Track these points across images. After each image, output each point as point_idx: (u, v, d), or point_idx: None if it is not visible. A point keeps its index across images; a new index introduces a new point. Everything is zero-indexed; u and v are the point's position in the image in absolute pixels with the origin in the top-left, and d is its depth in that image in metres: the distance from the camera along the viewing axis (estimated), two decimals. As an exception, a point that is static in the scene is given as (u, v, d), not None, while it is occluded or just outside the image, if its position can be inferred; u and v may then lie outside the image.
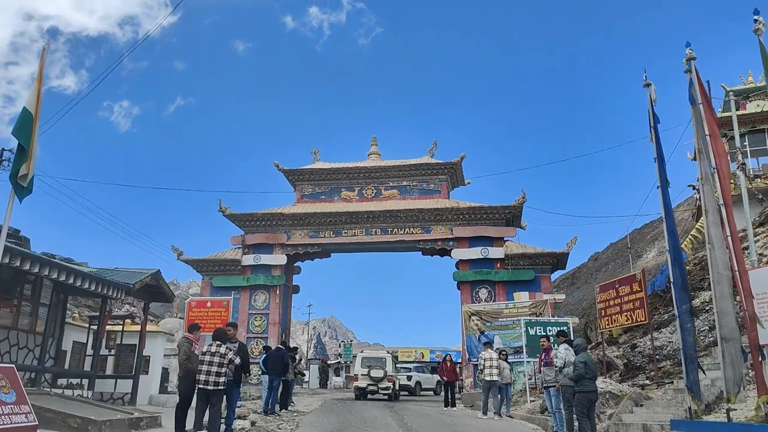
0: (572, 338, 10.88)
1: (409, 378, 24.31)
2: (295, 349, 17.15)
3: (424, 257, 25.29)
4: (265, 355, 13.54)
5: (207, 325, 13.94)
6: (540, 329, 15.79)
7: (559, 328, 13.71)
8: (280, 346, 14.10)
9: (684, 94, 8.11)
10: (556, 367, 9.23)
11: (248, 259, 23.72)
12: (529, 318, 17.39)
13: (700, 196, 8.38)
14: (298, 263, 25.65)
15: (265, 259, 23.69)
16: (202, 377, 7.85)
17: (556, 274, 22.80)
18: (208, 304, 15.54)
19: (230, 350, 8.16)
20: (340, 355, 37.34)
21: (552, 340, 11.32)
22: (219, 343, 8.13)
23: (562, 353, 9.01)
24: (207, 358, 7.95)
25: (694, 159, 10.53)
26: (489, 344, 15.31)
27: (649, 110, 9.25)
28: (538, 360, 11.74)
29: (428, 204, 23.24)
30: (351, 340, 45.68)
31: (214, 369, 7.87)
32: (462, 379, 21.89)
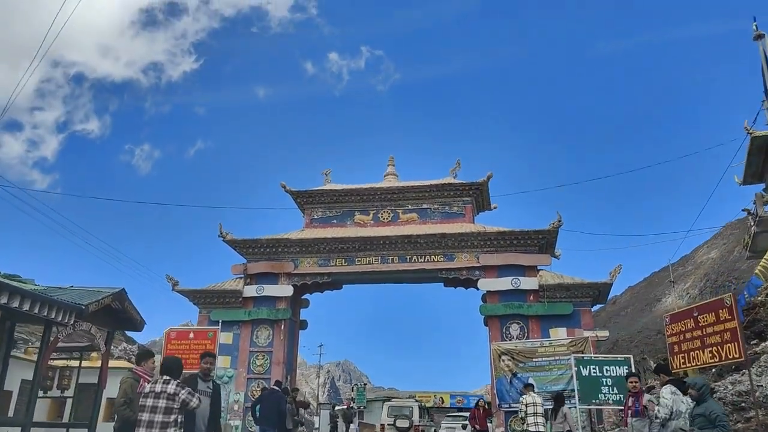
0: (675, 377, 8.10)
1: (464, 427, 21.53)
2: (296, 390, 14.55)
3: (446, 289, 22.76)
4: (255, 399, 11.02)
5: (189, 359, 11.44)
6: (595, 369, 13.11)
7: (657, 363, 10.96)
8: (275, 388, 11.61)
9: None
10: (657, 419, 6.59)
11: (250, 290, 21.31)
12: (581, 355, 14.63)
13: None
14: (306, 296, 23.18)
15: (269, 290, 21.26)
16: (142, 430, 5.35)
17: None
18: (191, 335, 13.13)
19: (183, 389, 5.62)
20: (352, 399, 34.40)
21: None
22: (168, 379, 5.62)
23: (668, 398, 6.39)
24: (149, 401, 5.47)
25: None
26: (530, 387, 12.66)
27: (763, 65, 6.82)
28: (623, 408, 8.87)
29: (451, 229, 20.80)
30: (365, 383, 42.71)
31: (159, 418, 5.38)
32: (492, 429, 19.06)
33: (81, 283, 10.62)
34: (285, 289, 21.24)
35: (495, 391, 19.07)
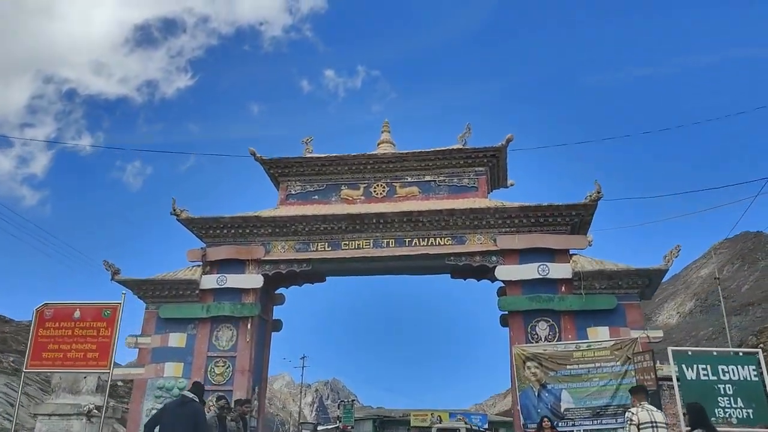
0: None
1: None
2: (248, 404, 10.39)
3: (453, 283, 18.85)
4: (153, 415, 7.06)
5: (72, 352, 7.29)
6: (706, 370, 9.04)
7: None
8: (189, 395, 7.55)
9: None
10: None
11: (210, 281, 17.21)
12: (683, 349, 10.52)
13: None
14: (281, 290, 19.10)
15: (234, 280, 17.18)
16: None
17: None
18: (77, 314, 8.90)
19: None
20: (338, 418, 30.18)
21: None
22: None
23: None
24: None
25: None
26: (642, 392, 8.53)
27: None
28: None
29: (461, 204, 16.81)
30: (353, 400, 38.44)
31: None
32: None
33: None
34: (253, 280, 17.15)
35: (519, 407, 15.05)
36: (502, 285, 17.65)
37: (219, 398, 9.88)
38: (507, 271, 16.20)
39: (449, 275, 18.34)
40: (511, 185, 19.29)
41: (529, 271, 16.01)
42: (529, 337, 15.67)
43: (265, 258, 17.28)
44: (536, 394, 15.01)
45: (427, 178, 17.83)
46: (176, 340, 17.00)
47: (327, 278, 19.05)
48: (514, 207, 16.33)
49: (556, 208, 16.15)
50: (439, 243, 16.78)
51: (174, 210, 17.55)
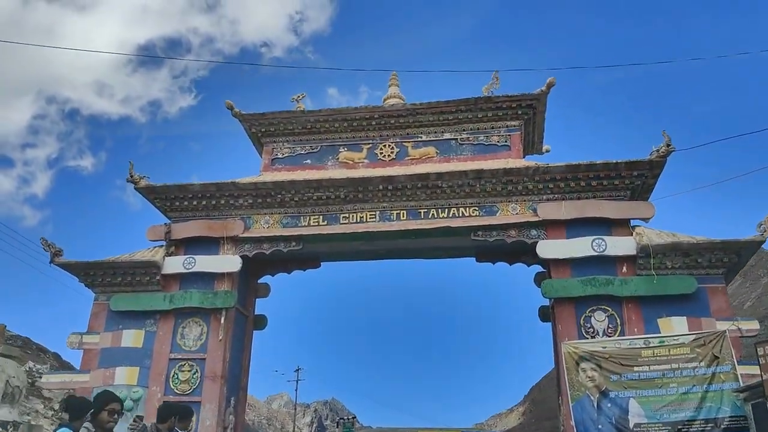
0: None
1: None
2: (186, 413, 6.95)
3: (478, 268, 15.41)
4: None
5: None
6: None
7: None
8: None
9: None
10: None
11: (174, 264, 13.82)
12: None
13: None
14: (265, 278, 15.63)
15: (205, 263, 13.78)
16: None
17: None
18: None
19: None
20: (337, 438, 26.58)
21: None
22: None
23: None
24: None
25: None
26: None
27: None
28: None
29: (492, 165, 13.41)
30: (353, 416, 34.76)
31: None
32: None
33: None
34: (229, 262, 13.74)
35: (572, 423, 11.57)
36: (542, 270, 14.30)
37: (136, 419, 6.69)
38: (551, 248, 12.80)
39: (474, 258, 14.91)
40: (547, 152, 15.91)
41: (581, 246, 12.62)
42: (583, 332, 12.25)
43: (245, 235, 13.89)
44: (595, 404, 11.61)
45: (447, 135, 14.45)
46: (131, 338, 13.60)
47: (322, 264, 15.57)
48: (560, 167, 12.94)
49: (614, 167, 12.77)
50: (463, 214, 13.39)
51: (131, 176, 14.16)
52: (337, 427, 37.26)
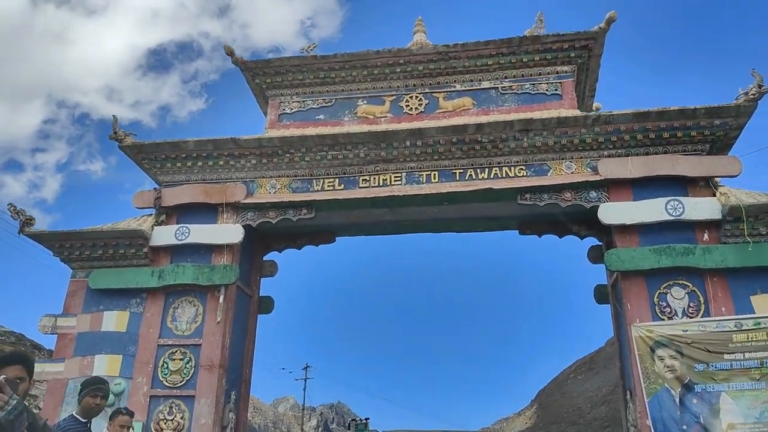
0: None
1: None
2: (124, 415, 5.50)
3: (519, 244, 13.29)
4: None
5: None
6: None
7: None
8: None
9: None
10: None
11: (164, 234, 11.83)
12: None
13: None
14: (271, 255, 13.61)
15: (201, 233, 11.78)
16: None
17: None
18: None
19: None
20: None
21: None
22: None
23: None
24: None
25: None
26: None
27: None
28: None
29: (542, 115, 11.33)
30: (366, 419, 32.59)
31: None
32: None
33: None
34: (229, 232, 11.72)
35: (649, 422, 9.47)
36: (596, 243, 12.24)
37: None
38: (616, 212, 10.71)
39: (517, 231, 12.85)
40: (597, 110, 13.78)
41: (652, 210, 10.54)
42: (657, 312, 10.15)
43: (247, 201, 11.87)
44: (676, 399, 9.53)
45: (486, 84, 12.37)
46: (113, 321, 11.61)
47: (337, 239, 13.53)
48: (626, 114, 10.84)
49: (692, 115, 10.68)
50: (507, 174, 11.32)
51: (115, 133, 12.15)
52: (349, 428, 35.12)
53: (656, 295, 10.22)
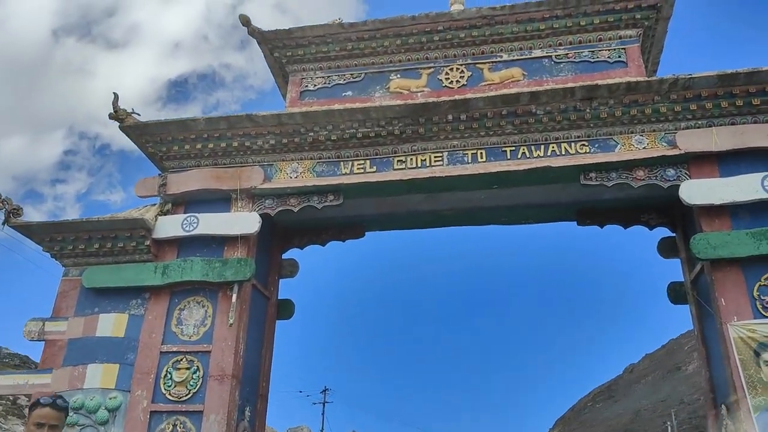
0: None
1: None
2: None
3: (575, 238, 11.72)
4: None
5: None
6: None
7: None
8: None
9: None
10: None
11: (170, 225, 10.36)
12: None
13: None
14: (292, 252, 12.07)
15: (211, 222, 10.29)
16: None
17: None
18: None
19: None
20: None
21: None
22: None
23: None
24: None
25: None
26: None
27: None
28: None
29: (606, 82, 9.80)
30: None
31: None
32: None
33: None
34: (244, 222, 10.22)
35: (758, 440, 7.70)
36: (669, 235, 10.62)
37: None
38: (702, 191, 9.11)
39: (575, 221, 11.25)
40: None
41: (746, 187, 8.94)
42: (757, 308, 8.49)
43: (265, 186, 10.38)
44: (791, 413, 7.78)
45: (537, 53, 10.88)
46: (110, 325, 10.10)
47: (367, 233, 11.99)
48: (709, 77, 9.28)
49: (785, 75, 9.09)
50: (566, 151, 9.77)
51: (115, 111, 10.74)
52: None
53: (756, 288, 8.58)
